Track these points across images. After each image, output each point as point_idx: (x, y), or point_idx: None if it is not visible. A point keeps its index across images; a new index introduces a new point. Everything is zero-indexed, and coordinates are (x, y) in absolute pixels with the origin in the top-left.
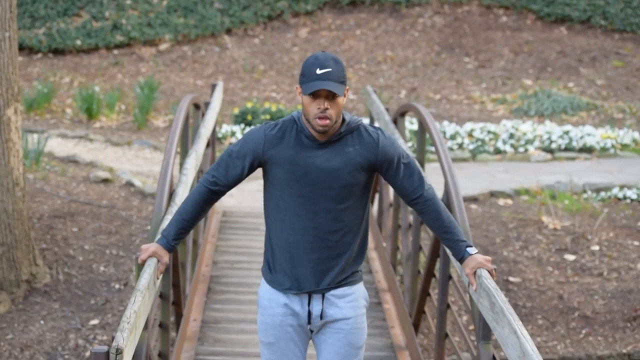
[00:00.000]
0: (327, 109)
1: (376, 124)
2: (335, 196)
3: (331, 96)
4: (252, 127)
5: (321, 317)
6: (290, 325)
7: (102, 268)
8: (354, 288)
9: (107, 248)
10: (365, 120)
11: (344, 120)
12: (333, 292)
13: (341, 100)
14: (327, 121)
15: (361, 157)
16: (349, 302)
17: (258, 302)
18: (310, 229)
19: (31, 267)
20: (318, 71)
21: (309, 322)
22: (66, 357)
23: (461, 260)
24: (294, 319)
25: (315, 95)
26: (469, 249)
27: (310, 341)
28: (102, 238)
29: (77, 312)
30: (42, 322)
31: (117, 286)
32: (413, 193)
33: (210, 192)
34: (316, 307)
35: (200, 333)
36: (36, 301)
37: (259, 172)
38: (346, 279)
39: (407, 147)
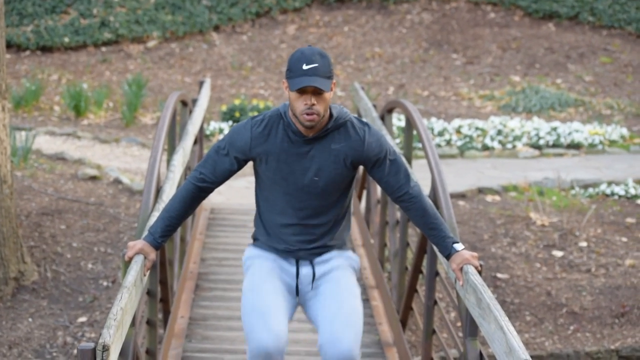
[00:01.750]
0: (314, 104)
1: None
2: (320, 193)
3: (318, 92)
4: (238, 122)
5: (312, 279)
6: (279, 278)
7: (90, 265)
8: (341, 251)
9: (95, 245)
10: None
11: (331, 115)
12: (321, 257)
13: (328, 95)
14: (314, 116)
15: (347, 154)
16: (337, 258)
17: (244, 264)
18: (296, 223)
19: (19, 264)
20: (304, 67)
21: (297, 287)
22: (54, 354)
23: (448, 256)
24: (284, 275)
25: (302, 91)
26: (455, 245)
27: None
28: (90, 235)
29: (65, 310)
30: (30, 319)
31: (105, 283)
32: (399, 190)
33: (197, 188)
34: (305, 268)
35: (188, 330)
36: (24, 299)
37: (247, 169)
38: (333, 247)
39: (394, 143)
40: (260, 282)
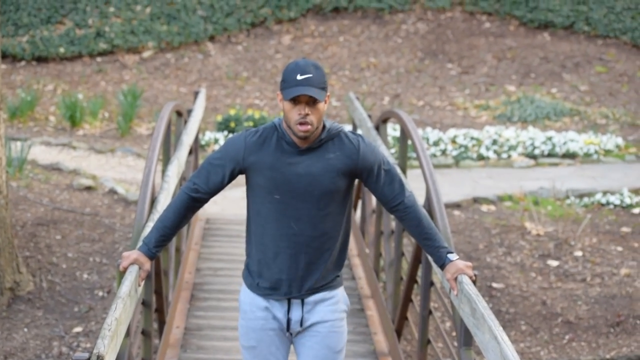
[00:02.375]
0: (307, 114)
1: (359, 131)
2: (315, 203)
3: (312, 102)
4: (234, 134)
5: (301, 323)
6: (271, 329)
7: (85, 276)
8: (333, 292)
9: (90, 256)
10: (348, 127)
11: (324, 127)
12: (312, 297)
13: (322, 106)
14: (308, 127)
15: (342, 164)
16: (328, 306)
17: (239, 307)
18: (290, 235)
19: (14, 274)
20: (299, 77)
21: (288, 329)
22: None
23: (442, 266)
24: (275, 322)
25: (296, 101)
26: (449, 255)
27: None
28: (86, 246)
29: (61, 320)
30: (25, 329)
31: (100, 294)
32: (393, 200)
33: (191, 199)
34: (295, 313)
35: (183, 340)
36: (20, 309)
37: (242, 178)
38: (326, 284)
39: (389, 153)
40: (258, 355)
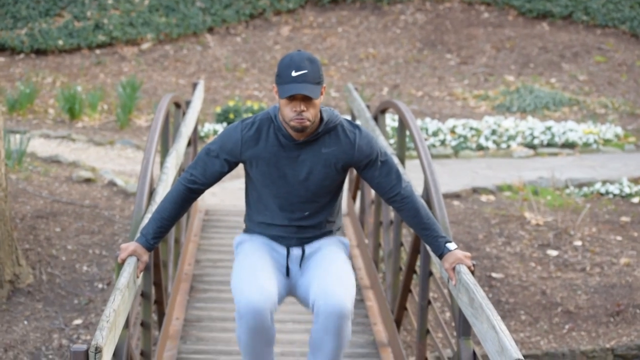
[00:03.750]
0: (303, 111)
1: (357, 122)
2: (311, 196)
3: (307, 98)
4: (229, 124)
5: (301, 260)
6: (270, 256)
7: (85, 268)
8: (331, 235)
9: (90, 248)
10: (346, 117)
11: (322, 119)
12: (312, 243)
13: (318, 101)
14: (305, 121)
15: (338, 158)
16: (328, 239)
17: (235, 250)
18: (287, 223)
19: (14, 267)
20: (294, 73)
21: (287, 264)
22: (50, 357)
23: (440, 256)
24: (274, 252)
25: (291, 97)
26: (448, 245)
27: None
28: (85, 238)
29: (61, 312)
30: (25, 322)
31: (100, 286)
32: (391, 191)
33: (188, 190)
34: (295, 250)
35: (182, 331)
36: (19, 301)
37: (240, 170)
38: (325, 235)
39: (387, 144)
40: (251, 250)
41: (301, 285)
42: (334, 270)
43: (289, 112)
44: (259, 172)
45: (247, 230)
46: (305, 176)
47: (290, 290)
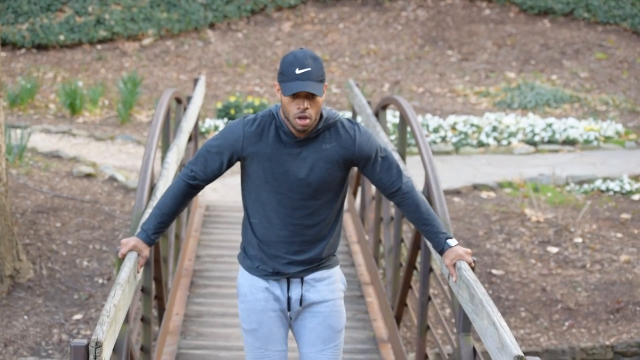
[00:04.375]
0: (307, 108)
1: (358, 118)
2: (311, 193)
3: (311, 96)
4: (231, 121)
5: (301, 302)
6: (272, 310)
7: (85, 263)
8: (331, 271)
9: (90, 243)
10: (347, 114)
11: (321, 116)
12: (311, 275)
13: (320, 98)
14: (307, 121)
15: (338, 155)
16: (327, 285)
17: (238, 290)
18: (287, 224)
19: (14, 262)
20: (297, 71)
21: (289, 309)
22: (50, 352)
23: (441, 252)
24: (276, 303)
25: (294, 95)
26: (449, 241)
27: (290, 332)
28: (85, 233)
29: (61, 307)
30: (25, 317)
31: (100, 281)
32: (392, 186)
33: (189, 186)
34: (295, 292)
35: (182, 327)
36: (20, 296)
37: (239, 165)
38: (324, 263)
39: (388, 140)
40: (256, 322)
41: (296, 332)
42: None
43: (292, 109)
44: (261, 168)
45: (246, 263)
46: (306, 172)
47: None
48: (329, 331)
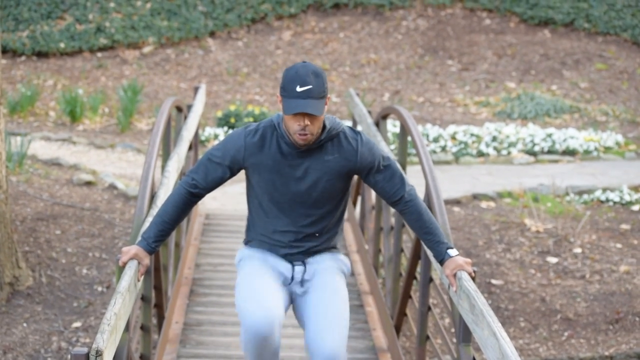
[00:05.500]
0: (307, 125)
1: (358, 127)
2: (313, 203)
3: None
4: (233, 130)
5: (302, 279)
6: (273, 265)
7: (84, 271)
8: (334, 252)
9: (90, 251)
10: (348, 123)
11: (324, 127)
12: (314, 257)
13: (321, 116)
14: (308, 136)
15: (340, 166)
16: (329, 259)
17: (238, 266)
18: (290, 231)
19: (14, 269)
20: (298, 89)
21: (292, 277)
22: (49, 359)
23: (441, 261)
24: (277, 266)
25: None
26: (449, 251)
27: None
28: (85, 241)
29: (60, 315)
30: (24, 324)
31: (99, 289)
32: (395, 195)
33: (189, 194)
34: (298, 267)
35: (182, 335)
36: (19, 304)
37: (241, 175)
38: (326, 249)
39: (389, 149)
40: (255, 268)
41: (299, 306)
42: (330, 314)
43: (292, 126)
44: (262, 179)
45: (249, 244)
46: (308, 183)
47: (291, 300)
48: (331, 295)
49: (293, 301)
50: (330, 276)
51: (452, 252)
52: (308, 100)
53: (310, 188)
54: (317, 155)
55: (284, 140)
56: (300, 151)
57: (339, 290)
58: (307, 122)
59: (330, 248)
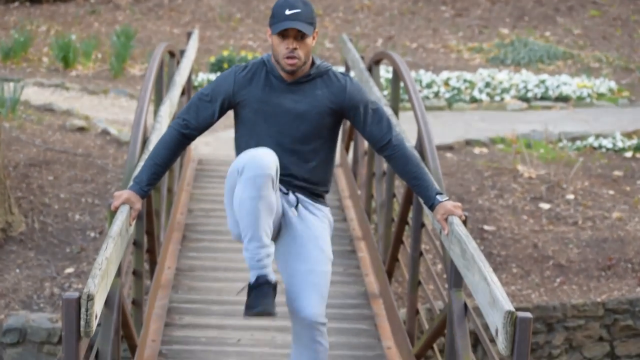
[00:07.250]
0: (295, 48)
1: (351, 73)
2: (301, 137)
3: (300, 36)
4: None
5: (297, 204)
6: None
7: (77, 216)
8: (322, 206)
9: (82, 196)
10: (340, 69)
11: (313, 62)
12: (306, 199)
13: (310, 41)
14: (295, 60)
15: (329, 101)
16: (318, 210)
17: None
18: (280, 164)
19: (6, 215)
20: (287, 12)
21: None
22: (41, 305)
23: (431, 207)
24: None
25: (284, 35)
26: (438, 196)
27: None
28: (78, 186)
29: (53, 261)
30: (17, 270)
31: (92, 234)
32: (382, 139)
33: (181, 135)
34: (291, 195)
35: (174, 281)
36: (11, 250)
37: (233, 119)
38: (315, 196)
39: (381, 95)
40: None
41: (282, 254)
42: (313, 279)
43: (281, 50)
44: (252, 112)
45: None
46: (296, 116)
47: (279, 227)
48: (316, 256)
49: (283, 216)
50: (317, 232)
51: (442, 197)
52: (296, 21)
53: (298, 120)
54: (307, 89)
55: (273, 73)
56: (289, 84)
57: (324, 250)
58: (295, 45)
59: (316, 195)
